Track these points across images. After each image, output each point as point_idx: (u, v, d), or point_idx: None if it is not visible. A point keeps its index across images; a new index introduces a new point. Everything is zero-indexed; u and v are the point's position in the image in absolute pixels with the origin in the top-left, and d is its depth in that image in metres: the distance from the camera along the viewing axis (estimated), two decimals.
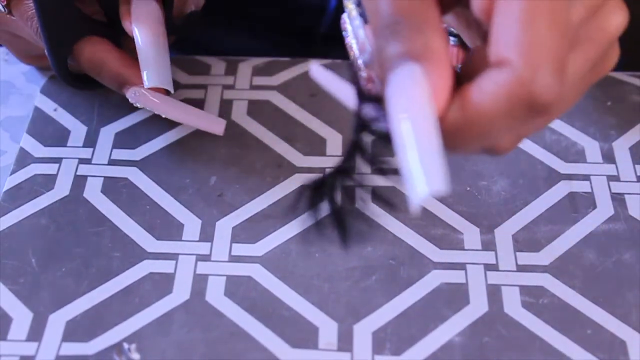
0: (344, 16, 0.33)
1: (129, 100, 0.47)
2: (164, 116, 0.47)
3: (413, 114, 0.29)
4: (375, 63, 0.31)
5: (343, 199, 0.31)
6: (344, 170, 0.31)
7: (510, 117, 0.30)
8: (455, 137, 0.31)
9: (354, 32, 0.33)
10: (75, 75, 0.49)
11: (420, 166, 0.28)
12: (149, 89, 0.46)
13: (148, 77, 0.46)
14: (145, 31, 0.46)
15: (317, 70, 0.33)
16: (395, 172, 0.30)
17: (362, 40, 0.32)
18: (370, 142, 0.31)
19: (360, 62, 0.32)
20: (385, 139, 0.30)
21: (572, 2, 0.31)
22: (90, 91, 0.52)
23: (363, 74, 0.32)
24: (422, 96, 0.29)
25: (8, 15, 0.47)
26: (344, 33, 0.33)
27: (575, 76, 0.33)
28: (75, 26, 0.47)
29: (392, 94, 0.30)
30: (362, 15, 0.32)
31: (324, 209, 0.31)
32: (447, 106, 0.30)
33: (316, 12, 0.62)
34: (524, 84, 0.29)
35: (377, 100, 0.31)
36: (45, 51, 0.47)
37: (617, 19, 0.33)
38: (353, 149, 0.31)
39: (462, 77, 0.31)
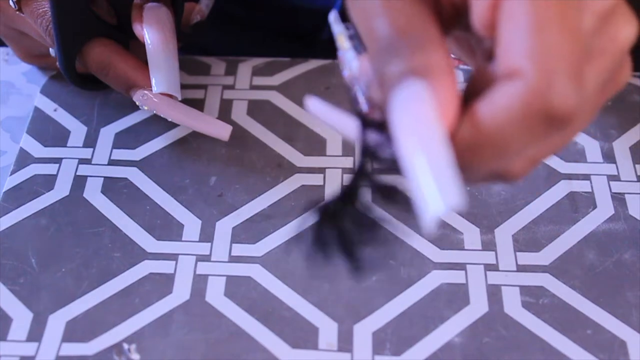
0: (339, 49, 0.32)
1: (136, 102, 0.47)
2: (170, 120, 0.47)
3: (420, 131, 0.27)
4: (375, 87, 0.30)
5: (351, 228, 0.29)
6: (350, 198, 0.30)
7: (526, 133, 0.28)
8: (468, 157, 0.28)
9: (349, 64, 0.32)
10: (81, 76, 0.49)
11: (433, 182, 0.26)
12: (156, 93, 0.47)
13: (157, 83, 0.46)
14: (155, 36, 0.46)
15: (315, 104, 0.32)
16: (404, 198, 0.29)
17: (356, 72, 0.31)
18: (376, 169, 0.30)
19: (359, 94, 0.31)
20: (392, 165, 0.29)
21: (582, 9, 0.29)
22: (96, 91, 0.52)
23: (364, 106, 0.30)
24: (429, 112, 0.28)
25: (17, 12, 0.47)
26: (341, 67, 0.32)
27: (591, 89, 0.30)
28: (87, 26, 0.47)
29: (396, 114, 0.28)
30: (356, 47, 0.32)
31: (331, 238, 0.29)
32: (457, 123, 0.28)
33: (320, 16, 0.62)
34: (540, 94, 0.27)
35: (381, 125, 0.29)
36: (55, 49, 0.47)
37: (628, 30, 0.31)
38: (358, 177, 0.30)
39: (466, 99, 0.29)
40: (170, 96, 0.47)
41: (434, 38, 0.29)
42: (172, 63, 0.46)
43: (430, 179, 0.26)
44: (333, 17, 0.33)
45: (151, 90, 0.46)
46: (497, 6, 0.28)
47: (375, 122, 0.30)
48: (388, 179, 0.29)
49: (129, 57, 0.48)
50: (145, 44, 0.46)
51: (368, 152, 0.29)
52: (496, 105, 0.28)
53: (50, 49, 0.51)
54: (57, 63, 0.48)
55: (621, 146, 0.50)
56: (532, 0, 0.27)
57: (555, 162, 0.49)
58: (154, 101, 0.47)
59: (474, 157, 0.28)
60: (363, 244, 0.29)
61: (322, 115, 0.32)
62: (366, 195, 0.29)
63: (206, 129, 0.48)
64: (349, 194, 0.30)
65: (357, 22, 0.30)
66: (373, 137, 0.29)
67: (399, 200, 0.29)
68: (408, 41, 0.28)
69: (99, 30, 0.48)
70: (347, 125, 0.30)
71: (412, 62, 0.28)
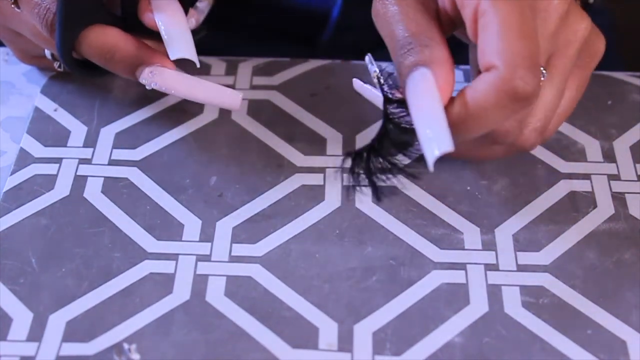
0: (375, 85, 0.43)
1: (143, 82, 0.47)
2: (179, 95, 0.47)
3: (425, 100, 0.39)
4: (397, 75, 0.42)
5: (374, 168, 0.42)
6: (375, 148, 0.42)
7: (500, 108, 0.39)
8: (460, 126, 0.40)
9: (382, 91, 0.43)
10: (78, 62, 0.49)
11: (432, 135, 0.39)
12: (164, 66, 0.46)
13: (172, 50, 0.46)
14: (168, 17, 0.46)
15: (358, 84, 0.44)
16: (411, 152, 0.42)
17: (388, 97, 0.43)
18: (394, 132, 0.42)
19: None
20: (403, 130, 0.41)
21: (543, 16, 0.41)
22: (92, 78, 0.52)
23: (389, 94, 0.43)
24: (432, 88, 0.40)
25: (12, 6, 0.47)
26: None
27: (565, 70, 0.43)
28: (92, 10, 0.47)
29: (409, 91, 0.40)
30: (387, 83, 0.42)
31: (361, 173, 0.42)
32: (451, 96, 0.40)
33: (319, 20, 0.62)
34: (506, 81, 0.38)
35: (400, 102, 0.42)
36: (56, 28, 0.46)
37: (584, 24, 0.43)
38: (382, 134, 0.42)
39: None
40: (181, 69, 0.47)
41: (437, 38, 0.41)
42: (186, 34, 0.47)
43: (431, 132, 0.39)
44: (368, 59, 0.43)
45: (159, 65, 0.46)
46: (477, 20, 0.40)
47: (395, 100, 0.42)
48: (403, 137, 0.42)
49: (133, 38, 0.47)
50: (158, 25, 0.46)
51: (390, 118, 0.42)
52: (477, 89, 0.39)
53: (46, 51, 0.51)
54: (55, 49, 0.47)
55: (621, 146, 0.50)
56: (499, 15, 0.39)
57: (555, 162, 0.49)
58: (163, 76, 0.47)
59: (464, 126, 0.40)
60: (382, 179, 0.42)
61: (362, 92, 0.44)
62: (388, 147, 0.42)
63: (216, 100, 0.48)
64: (375, 145, 0.42)
65: (380, 28, 0.43)
66: (394, 109, 0.42)
67: (409, 151, 0.42)
68: (418, 41, 0.40)
69: (104, 18, 0.47)
70: (378, 100, 0.42)
71: (421, 56, 0.40)
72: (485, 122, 0.40)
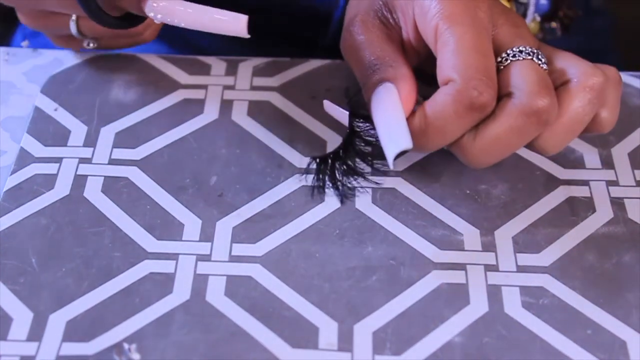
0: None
1: (150, 14, 0.46)
2: (185, 25, 0.46)
3: (389, 110, 0.43)
4: (364, 93, 0.45)
5: (337, 173, 0.47)
6: (340, 156, 0.47)
7: (457, 118, 0.42)
8: (421, 137, 0.43)
9: (350, 105, 0.47)
10: (106, 14, 0.48)
11: (394, 135, 0.42)
12: None
13: None
14: None
15: (328, 104, 0.47)
16: (372, 159, 0.47)
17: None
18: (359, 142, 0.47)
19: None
20: (367, 141, 0.46)
21: (491, 30, 0.44)
22: (122, 29, 0.50)
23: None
24: (394, 98, 0.43)
25: None
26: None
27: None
28: None
29: (374, 103, 0.44)
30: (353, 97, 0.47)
31: (325, 178, 0.47)
32: (412, 109, 0.43)
33: (321, 23, 0.63)
34: (462, 91, 0.41)
35: (365, 117, 0.46)
36: None
37: None
38: (347, 144, 0.47)
39: None
40: None
41: (400, 60, 0.45)
42: None
43: (391, 133, 0.42)
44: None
45: None
46: (437, 38, 0.43)
47: (361, 114, 0.46)
48: (366, 147, 0.47)
49: None
50: None
51: (355, 131, 0.46)
52: (436, 101, 0.42)
53: (72, 28, 0.50)
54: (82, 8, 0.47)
55: (620, 153, 0.51)
56: (455, 34, 0.42)
57: (553, 169, 0.49)
58: (166, 5, 0.46)
59: (423, 137, 0.43)
60: (345, 184, 0.47)
61: (332, 111, 0.47)
62: (351, 155, 0.47)
63: (222, 27, 0.46)
64: (339, 152, 0.47)
65: (348, 56, 0.47)
66: (359, 123, 0.46)
67: (370, 160, 0.47)
68: (383, 62, 0.45)
69: None
70: (345, 119, 0.46)
71: (385, 74, 0.44)
72: (444, 131, 0.42)
